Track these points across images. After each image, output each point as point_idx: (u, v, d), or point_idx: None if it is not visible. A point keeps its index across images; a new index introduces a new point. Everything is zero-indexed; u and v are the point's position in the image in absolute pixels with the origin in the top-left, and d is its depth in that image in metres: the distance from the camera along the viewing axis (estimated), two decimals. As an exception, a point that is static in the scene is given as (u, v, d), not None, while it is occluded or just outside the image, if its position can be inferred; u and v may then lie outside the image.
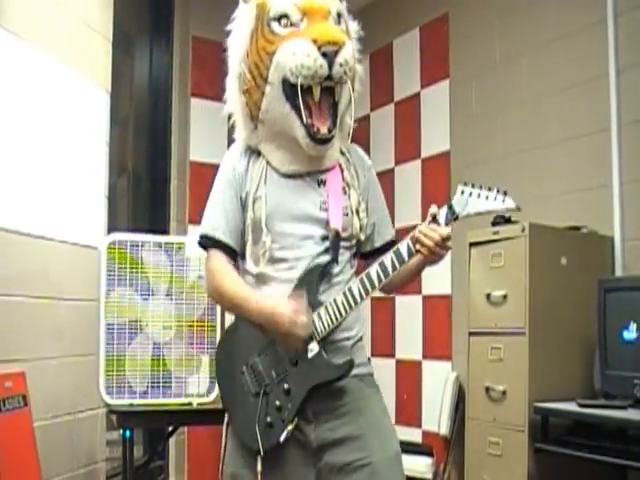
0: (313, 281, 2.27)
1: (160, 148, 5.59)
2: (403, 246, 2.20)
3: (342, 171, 2.42)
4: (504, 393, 3.82)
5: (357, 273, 2.38)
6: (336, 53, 2.19)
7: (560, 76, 4.45)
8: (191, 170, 5.65)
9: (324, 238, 2.31)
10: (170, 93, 5.65)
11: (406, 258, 2.20)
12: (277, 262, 2.31)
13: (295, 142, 2.30)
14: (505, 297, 3.87)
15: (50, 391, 3.55)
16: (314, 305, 2.23)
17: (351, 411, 2.27)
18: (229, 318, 5.34)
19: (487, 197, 2.25)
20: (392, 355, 5.71)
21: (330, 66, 2.19)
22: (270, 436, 2.19)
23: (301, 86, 2.21)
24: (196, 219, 5.53)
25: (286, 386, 2.21)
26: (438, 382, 5.06)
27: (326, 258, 2.29)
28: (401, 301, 5.68)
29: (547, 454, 3.57)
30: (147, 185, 5.62)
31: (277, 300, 2.24)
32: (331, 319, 2.22)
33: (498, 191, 2.26)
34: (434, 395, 5.10)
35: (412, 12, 5.79)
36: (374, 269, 2.21)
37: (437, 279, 5.27)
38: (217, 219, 2.35)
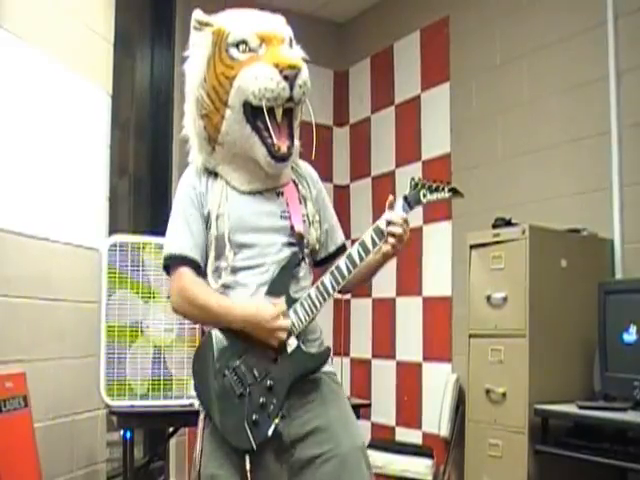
0: (284, 282, 2.37)
1: (161, 150, 5.59)
2: (367, 237, 2.34)
3: (296, 185, 2.53)
4: (504, 395, 3.83)
5: (313, 281, 2.48)
6: (296, 76, 2.30)
7: (560, 79, 4.46)
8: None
9: (286, 244, 2.41)
10: (171, 95, 5.65)
11: (370, 247, 2.33)
12: (241, 270, 2.38)
13: (253, 162, 2.40)
14: (505, 299, 3.88)
15: (51, 392, 3.55)
16: (289, 302, 2.33)
17: (320, 405, 2.36)
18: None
19: (436, 189, 2.41)
20: (392, 357, 5.72)
21: (291, 88, 2.29)
22: (258, 433, 2.24)
23: (263, 108, 2.30)
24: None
25: (269, 383, 2.27)
26: (438, 384, 5.06)
27: (292, 260, 2.40)
28: (401, 303, 5.69)
29: (547, 456, 3.57)
30: (148, 187, 5.63)
31: (259, 302, 2.31)
32: (307, 313, 2.32)
33: (442, 182, 2.44)
34: (434, 397, 5.11)
35: (413, 15, 5.80)
36: (342, 261, 2.33)
37: (437, 281, 5.29)
38: (183, 238, 2.40)
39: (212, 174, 2.47)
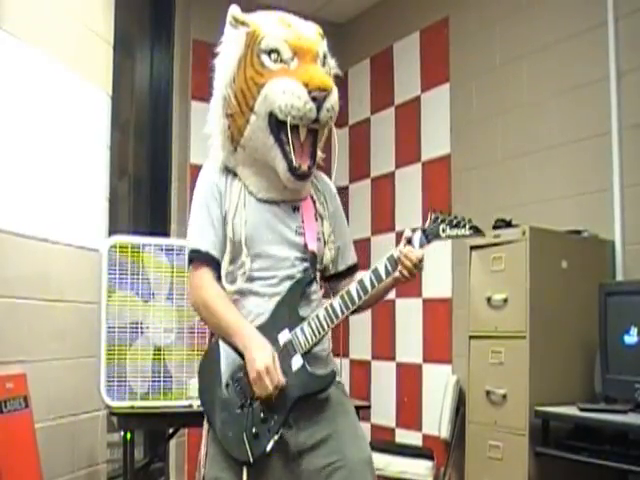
0: (295, 298, 2.36)
1: (161, 151, 5.60)
2: (381, 265, 2.32)
3: (314, 201, 2.53)
4: (504, 397, 3.83)
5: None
6: (324, 98, 2.31)
7: (560, 79, 4.45)
8: (192, 173, 5.65)
9: (299, 260, 2.41)
10: (171, 96, 5.66)
11: (384, 277, 2.33)
12: (256, 280, 2.38)
13: (273, 171, 2.38)
14: (506, 300, 3.87)
15: (51, 393, 3.56)
16: (297, 320, 2.32)
17: (329, 416, 2.35)
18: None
19: (456, 224, 2.39)
20: (392, 358, 5.71)
21: (318, 110, 2.30)
22: (257, 446, 2.23)
23: (288, 124, 2.30)
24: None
25: (272, 398, 2.25)
26: (438, 385, 5.06)
27: (306, 276, 2.39)
28: (401, 304, 5.68)
29: (548, 458, 3.57)
30: (148, 188, 5.63)
31: (256, 340, 2.28)
32: (314, 333, 2.31)
33: (464, 219, 2.41)
34: (434, 398, 5.11)
35: (412, 16, 5.80)
36: (354, 287, 2.33)
37: (437, 282, 5.28)
38: (208, 236, 2.40)
39: (231, 173, 2.47)
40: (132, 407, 3.40)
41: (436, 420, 4.97)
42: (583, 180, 4.25)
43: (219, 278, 2.39)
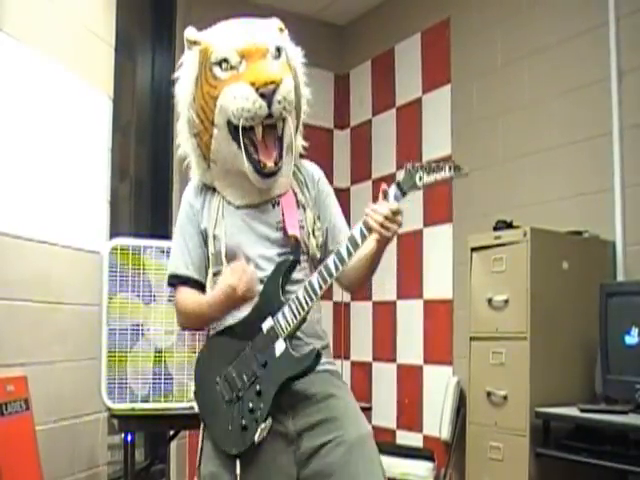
0: (276, 285, 2.35)
1: (162, 153, 5.59)
2: (356, 230, 2.25)
3: (295, 194, 2.52)
4: (505, 398, 3.83)
5: None
6: (274, 92, 2.31)
7: (561, 80, 4.45)
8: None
9: (283, 255, 2.42)
10: (172, 98, 5.65)
11: (359, 240, 2.24)
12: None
13: (245, 177, 2.41)
14: (506, 302, 3.88)
15: (52, 395, 3.55)
16: (279, 306, 2.31)
17: (325, 397, 2.35)
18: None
19: (434, 169, 2.27)
20: (393, 360, 5.71)
21: (269, 105, 2.30)
22: (245, 438, 2.25)
23: (244, 127, 2.33)
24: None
25: (257, 387, 2.28)
26: (439, 387, 5.06)
27: (285, 261, 2.39)
28: (402, 305, 5.69)
29: (548, 459, 3.57)
30: (149, 190, 5.63)
31: (223, 275, 2.35)
32: (294, 315, 2.28)
33: (443, 162, 2.29)
34: (435, 400, 5.11)
35: (413, 17, 5.80)
36: (331, 259, 2.27)
37: (438, 283, 5.28)
38: (180, 257, 2.49)
39: (210, 189, 2.52)
40: (133, 409, 3.39)
41: (437, 421, 4.96)
42: (584, 181, 4.25)
43: (201, 291, 2.46)
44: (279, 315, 2.30)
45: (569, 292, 3.85)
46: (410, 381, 5.52)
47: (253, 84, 2.30)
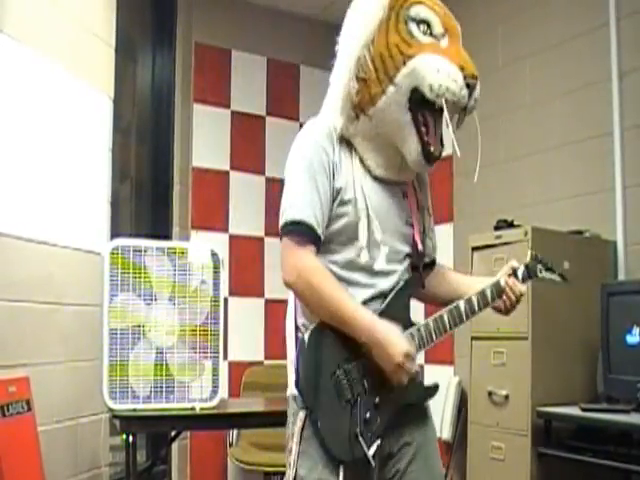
0: (405, 300, 2.24)
1: (163, 154, 5.60)
2: (488, 290, 2.28)
3: (415, 189, 2.39)
4: (507, 397, 3.83)
5: None
6: (474, 87, 2.18)
7: (563, 80, 4.46)
8: (193, 176, 5.66)
9: (407, 256, 2.29)
10: (173, 99, 5.66)
11: (490, 301, 2.28)
12: (364, 270, 2.20)
13: (393, 149, 2.22)
14: (508, 301, 3.87)
15: (54, 396, 3.55)
16: (406, 324, 2.18)
17: (417, 418, 2.27)
18: (232, 323, 5.33)
19: (550, 268, 2.46)
20: (395, 360, 5.70)
21: (469, 97, 2.18)
22: (355, 448, 2.07)
23: (438, 106, 2.15)
24: (199, 225, 5.57)
25: (377, 399, 2.12)
26: (440, 386, 5.04)
27: (416, 277, 2.29)
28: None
29: (550, 458, 3.58)
30: (150, 191, 5.63)
31: (393, 333, 2.10)
32: (423, 342, 2.18)
33: (555, 265, 2.49)
34: (436, 399, 5.06)
35: (414, 17, 5.79)
36: (462, 304, 2.23)
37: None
38: (313, 208, 2.13)
39: (344, 142, 2.23)
40: (134, 410, 3.40)
41: (438, 421, 4.96)
42: (585, 180, 4.26)
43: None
44: (409, 335, 2.16)
45: (570, 291, 3.83)
46: (411, 381, 5.51)
47: (463, 69, 2.12)
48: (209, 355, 3.56)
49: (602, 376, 3.70)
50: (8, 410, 3.08)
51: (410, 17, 2.15)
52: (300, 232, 2.13)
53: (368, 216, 2.17)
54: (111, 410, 3.43)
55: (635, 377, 3.44)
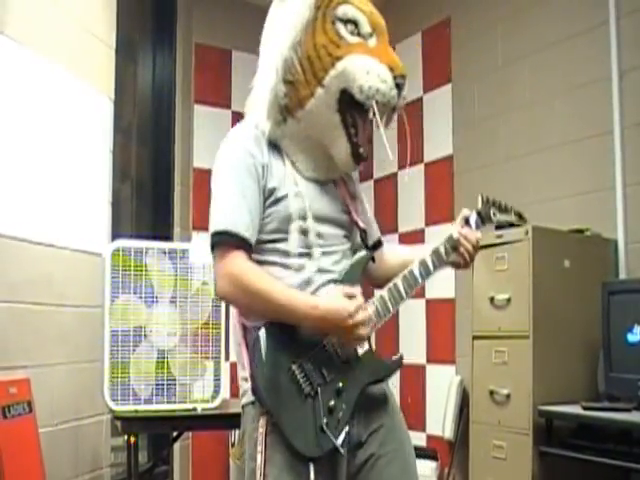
0: (357, 278, 2.19)
1: (163, 155, 5.61)
2: (441, 247, 2.25)
3: (344, 181, 2.35)
4: (508, 396, 3.83)
5: None
6: (403, 86, 2.15)
7: (562, 79, 4.46)
8: (194, 176, 5.67)
9: (347, 238, 2.27)
10: (173, 100, 5.67)
11: (445, 257, 2.25)
12: (305, 256, 2.15)
13: (321, 149, 2.20)
14: (509, 300, 3.88)
15: (55, 397, 3.56)
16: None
17: (382, 402, 2.21)
18: (234, 325, 5.32)
19: (504, 209, 2.39)
20: (396, 359, 5.71)
21: (397, 98, 2.15)
22: (325, 440, 2.01)
23: (366, 107, 2.13)
24: (200, 225, 5.57)
25: (339, 385, 2.06)
26: (442, 386, 5.06)
27: (367, 254, 2.24)
28: (405, 305, 5.65)
29: (551, 457, 3.57)
30: (151, 192, 5.64)
31: (336, 297, 2.06)
32: (380, 315, 2.16)
33: (509, 205, 2.43)
34: (438, 399, 5.11)
35: (414, 17, 5.80)
36: (416, 267, 2.21)
37: (441, 283, 5.28)
38: (239, 214, 2.08)
39: (272, 145, 2.19)
40: (136, 411, 3.40)
41: (440, 420, 4.97)
42: (585, 179, 4.26)
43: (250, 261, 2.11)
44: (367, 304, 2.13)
45: (571, 290, 3.85)
46: (413, 380, 5.52)
47: (392, 69, 2.11)
48: (211, 356, 3.57)
49: (603, 375, 3.70)
50: (9, 411, 3.09)
51: (337, 17, 2.13)
52: (225, 241, 2.08)
53: (304, 209, 2.14)
54: (112, 411, 3.44)
55: (636, 375, 3.44)
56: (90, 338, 3.69)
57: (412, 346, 5.59)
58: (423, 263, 2.22)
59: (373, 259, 2.29)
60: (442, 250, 2.24)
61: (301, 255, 2.14)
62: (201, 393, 3.56)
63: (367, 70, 2.09)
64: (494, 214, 2.34)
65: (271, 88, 2.15)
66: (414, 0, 5.86)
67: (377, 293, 2.20)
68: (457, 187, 5.18)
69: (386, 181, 5.93)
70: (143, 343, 3.47)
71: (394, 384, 5.68)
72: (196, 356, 3.54)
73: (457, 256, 2.27)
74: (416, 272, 2.21)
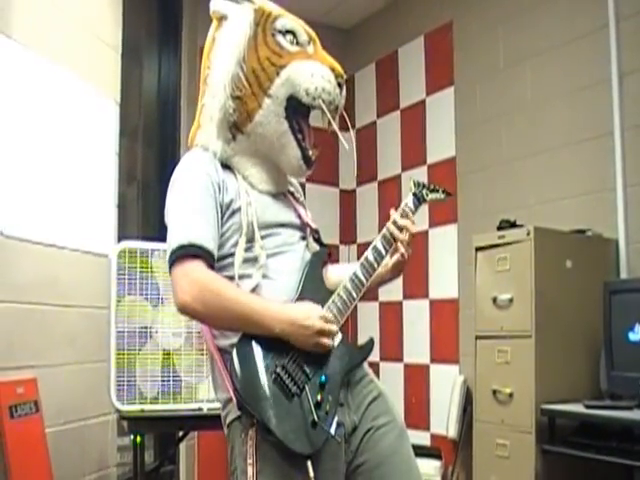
0: (318, 272, 2.26)
1: (169, 156, 5.63)
2: (378, 242, 2.31)
3: (291, 192, 2.43)
4: (511, 395, 3.84)
5: None
6: (343, 86, 2.23)
7: (563, 81, 4.48)
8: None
9: (302, 238, 2.32)
10: (178, 102, 5.70)
11: (387, 248, 2.32)
12: (275, 256, 2.20)
13: (270, 162, 2.27)
14: (511, 300, 3.90)
15: (61, 397, 3.58)
16: (326, 295, 2.19)
17: (366, 383, 2.26)
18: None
19: (434, 189, 2.54)
20: (400, 359, 5.74)
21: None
22: (319, 433, 2.02)
23: (310, 108, 2.22)
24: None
25: (321, 379, 2.08)
26: (446, 385, 5.08)
27: (323, 249, 2.34)
28: (408, 305, 5.71)
29: (554, 455, 3.59)
30: (156, 193, 5.66)
31: (299, 308, 2.09)
32: (346, 305, 2.20)
33: (437, 185, 2.59)
34: (442, 398, 5.13)
35: (417, 20, 5.83)
36: (370, 253, 2.28)
37: (444, 283, 5.31)
38: (201, 227, 2.10)
39: (224, 166, 2.22)
40: (142, 411, 3.42)
41: (444, 420, 4.98)
42: (586, 180, 4.27)
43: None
44: (330, 304, 2.17)
45: (573, 290, 3.87)
46: (417, 380, 5.54)
47: (333, 70, 2.19)
48: (216, 356, 3.59)
49: (605, 373, 3.71)
50: (16, 411, 3.12)
51: (276, 29, 2.23)
52: (184, 254, 2.06)
53: (253, 216, 2.16)
54: (119, 411, 3.45)
55: (638, 374, 3.45)
56: (96, 338, 3.72)
57: (416, 346, 5.61)
58: (374, 247, 2.30)
59: (330, 254, 2.37)
60: (380, 246, 2.31)
61: (246, 261, 2.16)
62: (207, 393, 3.57)
63: (311, 73, 2.18)
64: (427, 194, 2.47)
65: (220, 106, 2.21)
66: (417, 4, 5.88)
67: (340, 284, 2.23)
68: (460, 188, 5.21)
69: (390, 183, 5.96)
70: (149, 343, 3.49)
71: (398, 384, 5.71)
72: (201, 356, 3.56)
73: (399, 249, 2.34)
74: (370, 257, 2.27)
